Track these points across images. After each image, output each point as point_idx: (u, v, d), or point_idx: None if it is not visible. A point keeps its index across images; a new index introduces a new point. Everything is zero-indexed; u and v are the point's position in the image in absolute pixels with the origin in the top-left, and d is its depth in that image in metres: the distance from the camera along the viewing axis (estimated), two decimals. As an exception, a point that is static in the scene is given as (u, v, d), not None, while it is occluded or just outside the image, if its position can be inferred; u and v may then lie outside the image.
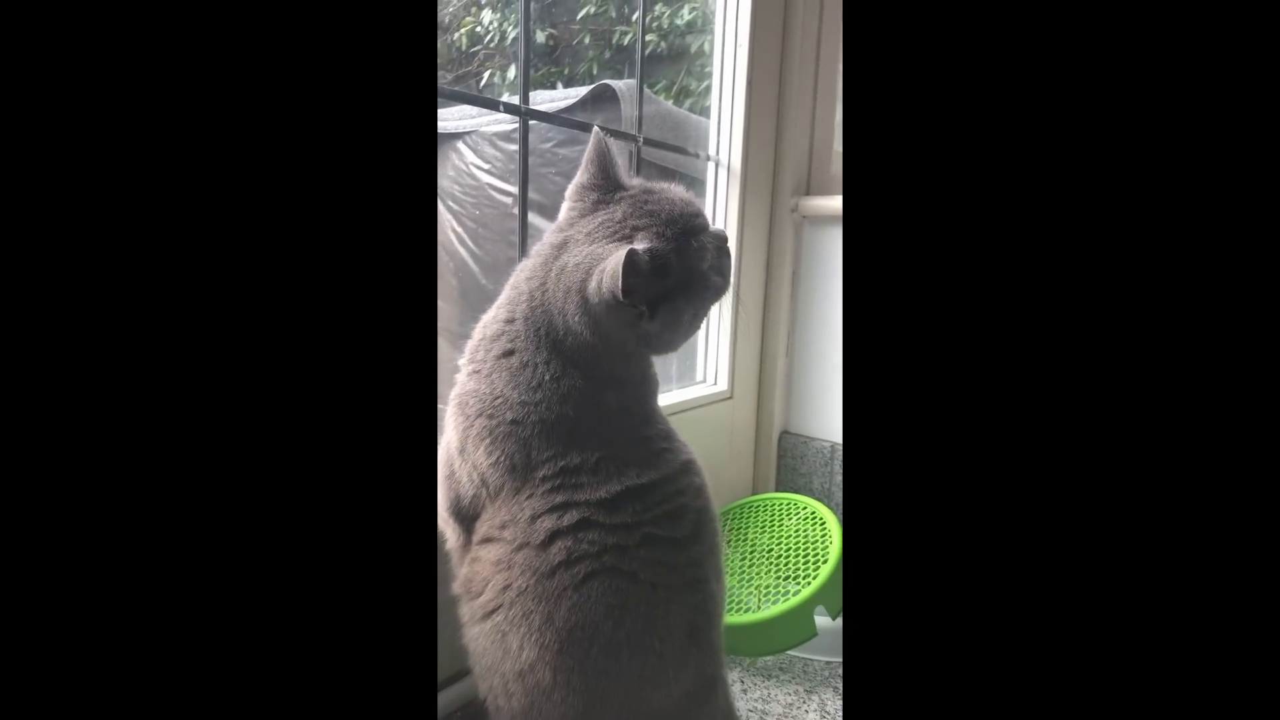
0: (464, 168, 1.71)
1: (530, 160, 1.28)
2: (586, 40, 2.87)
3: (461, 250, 1.73)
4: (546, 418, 0.46)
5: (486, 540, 0.47)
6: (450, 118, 1.89)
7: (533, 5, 2.86)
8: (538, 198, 1.51)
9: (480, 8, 3.12)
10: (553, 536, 0.45)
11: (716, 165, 0.94)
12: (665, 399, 0.89)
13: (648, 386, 0.52)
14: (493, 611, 0.46)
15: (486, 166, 1.67)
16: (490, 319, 0.51)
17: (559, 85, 2.81)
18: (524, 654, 0.44)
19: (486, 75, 3.11)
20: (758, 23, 0.91)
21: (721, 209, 0.95)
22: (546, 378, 0.47)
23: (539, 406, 0.47)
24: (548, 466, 0.46)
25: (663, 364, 1.06)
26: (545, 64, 3.05)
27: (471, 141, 1.71)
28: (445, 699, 0.60)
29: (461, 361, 0.51)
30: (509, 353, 0.48)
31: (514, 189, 1.59)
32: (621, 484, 0.46)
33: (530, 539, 0.45)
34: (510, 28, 3.16)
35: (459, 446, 0.48)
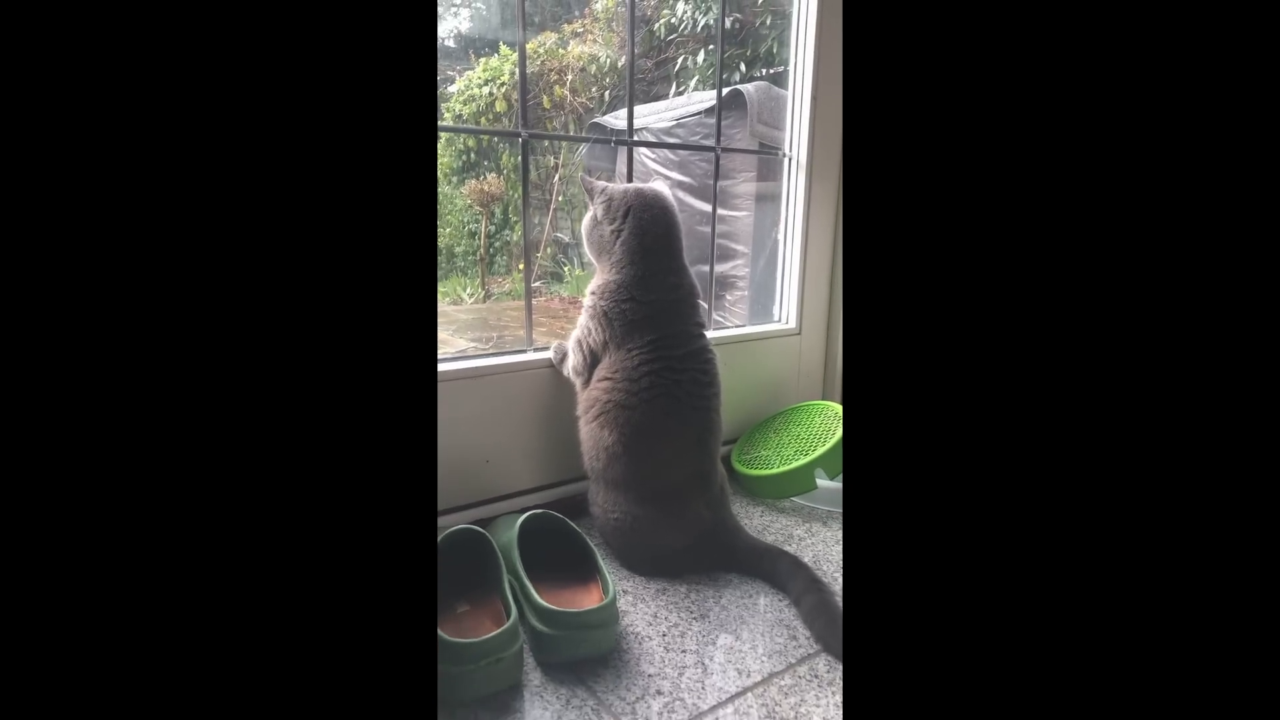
0: (637, 157, 2.16)
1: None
2: (768, 21, 3.14)
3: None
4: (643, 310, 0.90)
5: (602, 379, 0.90)
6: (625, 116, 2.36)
7: (722, -6, 3.23)
8: (687, 179, 1.92)
9: (676, 0, 3.50)
10: (645, 375, 0.87)
11: (789, 160, 1.28)
12: (742, 331, 1.26)
13: (693, 297, 0.93)
14: (599, 415, 0.89)
15: (653, 156, 2.10)
16: None
17: (741, 66, 3.14)
18: (610, 437, 0.88)
19: (680, 60, 3.51)
20: (823, 25, 1.20)
21: (792, 195, 1.28)
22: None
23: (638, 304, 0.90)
24: (644, 336, 0.88)
25: (741, 305, 1.44)
26: (731, 46, 3.40)
27: (642, 137, 2.14)
28: (573, 489, 1.05)
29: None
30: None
31: (673, 173, 2.01)
32: (688, 348, 0.89)
33: (631, 376, 0.87)
34: (701, 15, 3.51)
35: (586, 325, 0.92)
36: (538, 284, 3.50)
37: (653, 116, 2.19)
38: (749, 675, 0.71)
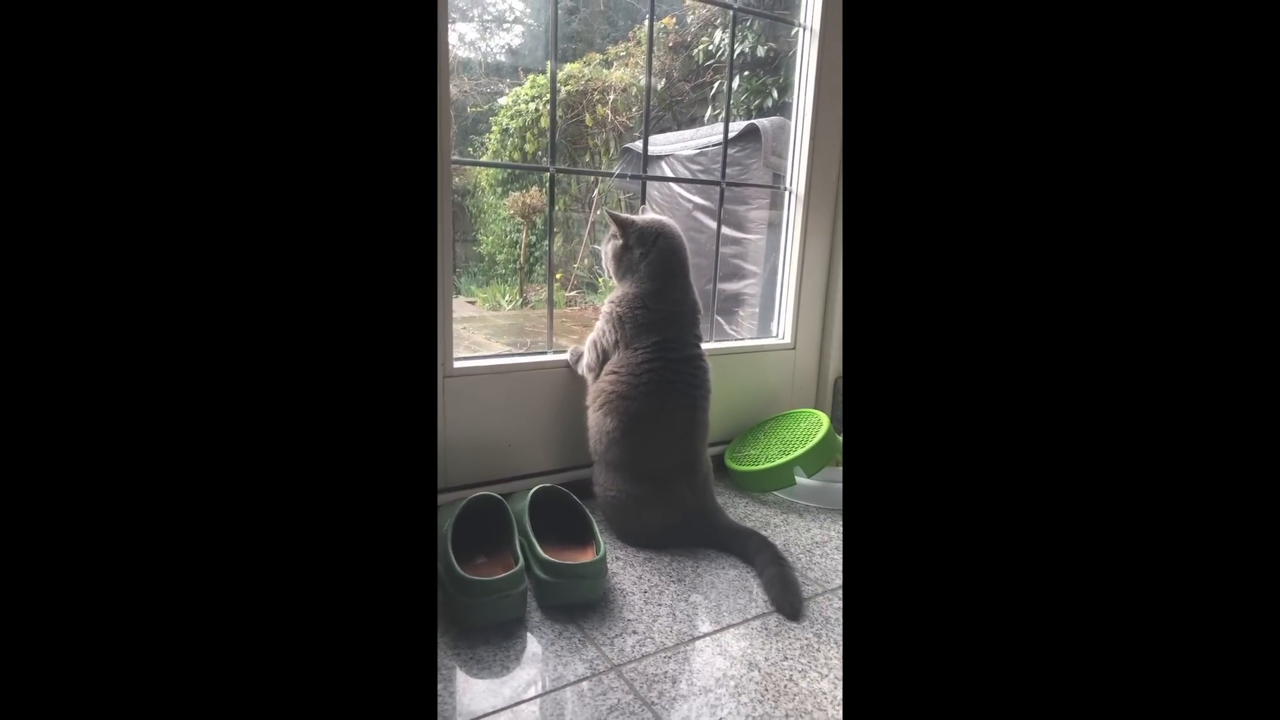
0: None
1: (700, 172, 1.89)
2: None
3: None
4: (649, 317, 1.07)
5: (610, 373, 1.07)
6: (658, 143, 2.54)
7: (757, 23, 3.54)
8: (705, 203, 2.09)
9: (714, 28, 3.68)
10: (646, 371, 1.04)
11: (790, 194, 1.43)
12: (740, 344, 1.42)
13: (694, 313, 1.10)
14: (604, 404, 1.06)
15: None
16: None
17: (774, 93, 3.30)
18: (612, 423, 1.04)
19: (716, 85, 3.68)
20: (822, 66, 1.36)
21: (791, 224, 1.43)
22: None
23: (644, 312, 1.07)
24: (649, 339, 1.05)
25: (752, 320, 1.59)
26: (765, 73, 3.55)
27: (669, 163, 2.31)
28: (581, 473, 1.22)
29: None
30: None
31: (695, 197, 2.18)
32: (684, 353, 1.06)
33: (634, 371, 1.04)
34: (738, 44, 3.69)
35: (602, 328, 1.10)
36: (573, 294, 3.69)
37: (679, 144, 2.36)
38: (709, 624, 0.86)
